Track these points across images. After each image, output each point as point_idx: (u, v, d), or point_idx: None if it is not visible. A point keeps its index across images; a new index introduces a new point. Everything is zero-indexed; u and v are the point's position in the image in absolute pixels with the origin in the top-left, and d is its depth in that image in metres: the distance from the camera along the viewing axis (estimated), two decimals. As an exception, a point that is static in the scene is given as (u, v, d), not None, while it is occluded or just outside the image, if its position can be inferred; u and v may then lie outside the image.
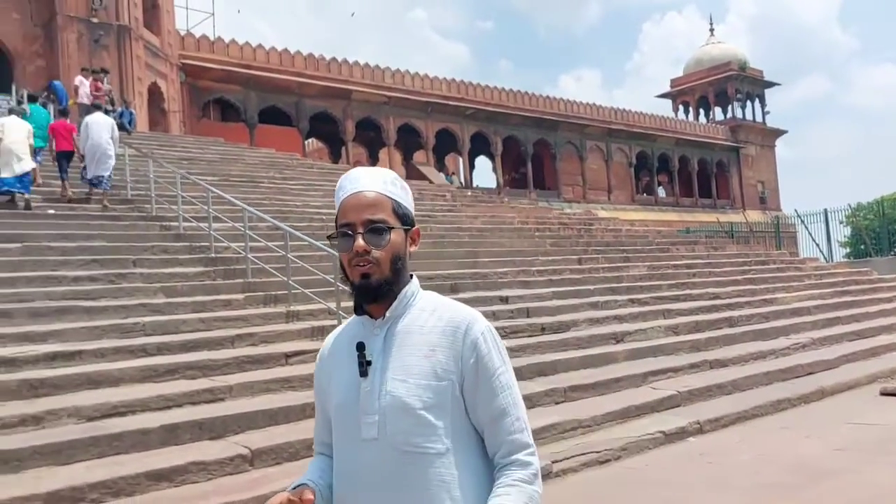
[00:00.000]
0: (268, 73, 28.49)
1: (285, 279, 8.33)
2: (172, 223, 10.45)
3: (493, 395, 1.46)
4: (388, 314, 1.51)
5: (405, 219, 1.54)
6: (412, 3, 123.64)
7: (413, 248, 1.57)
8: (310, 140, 35.00)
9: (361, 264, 1.48)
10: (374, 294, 1.49)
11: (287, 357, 6.78)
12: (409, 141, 34.56)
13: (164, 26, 25.28)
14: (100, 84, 16.25)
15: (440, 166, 36.39)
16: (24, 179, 10.36)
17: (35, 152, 10.87)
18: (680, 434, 6.30)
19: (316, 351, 5.68)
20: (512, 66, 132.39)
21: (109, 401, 5.36)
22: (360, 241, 1.47)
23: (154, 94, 23.98)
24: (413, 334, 1.49)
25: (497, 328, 5.87)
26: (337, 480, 1.54)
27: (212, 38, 28.01)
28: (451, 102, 34.33)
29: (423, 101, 33.34)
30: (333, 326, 7.27)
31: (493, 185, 37.07)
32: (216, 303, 8.02)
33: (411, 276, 1.56)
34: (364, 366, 1.49)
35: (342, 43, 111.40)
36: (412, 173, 30.86)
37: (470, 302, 7.50)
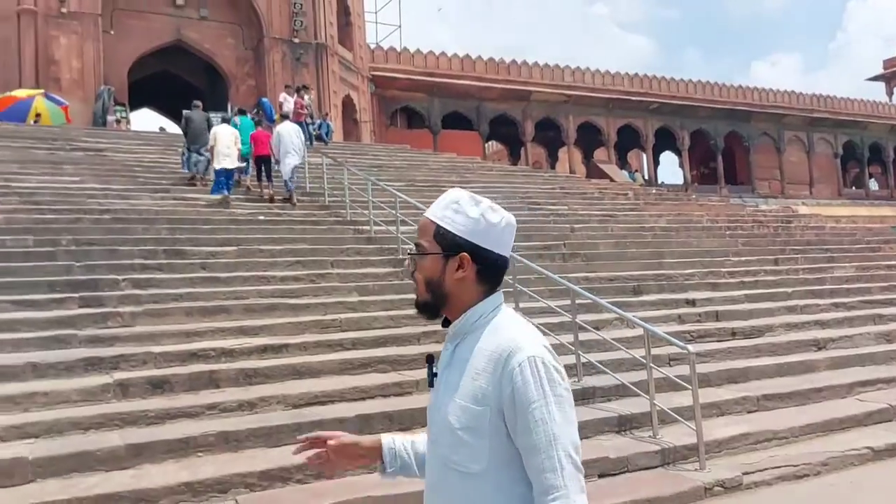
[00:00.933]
0: (450, 79, 29.43)
1: (467, 280, 8.59)
2: (364, 227, 11.15)
3: (526, 430, 1.41)
4: (451, 333, 1.58)
5: (449, 244, 1.53)
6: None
7: (460, 274, 1.53)
8: (490, 142, 35.61)
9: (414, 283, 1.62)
10: (423, 313, 1.61)
11: (469, 355, 7.00)
12: (589, 139, 34.07)
13: (356, 41, 26.96)
14: (301, 99, 17.67)
15: (622, 164, 35.48)
16: (229, 179, 11.95)
17: (242, 157, 12.62)
18: (892, 451, 5.72)
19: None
20: (699, 55, 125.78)
21: (312, 390, 5.88)
22: (407, 262, 1.65)
23: (347, 106, 25.65)
24: (473, 355, 1.51)
25: (682, 332, 5.71)
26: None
27: (398, 50, 29.43)
28: (633, 98, 33.38)
29: (605, 97, 32.71)
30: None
31: (680, 181, 35.52)
32: (403, 301, 8.44)
33: (491, 297, 1.55)
34: (431, 377, 1.61)
35: (522, 45, 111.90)
36: (593, 172, 30.37)
37: (655, 305, 7.35)
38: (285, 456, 4.86)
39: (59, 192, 10.88)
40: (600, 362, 6.69)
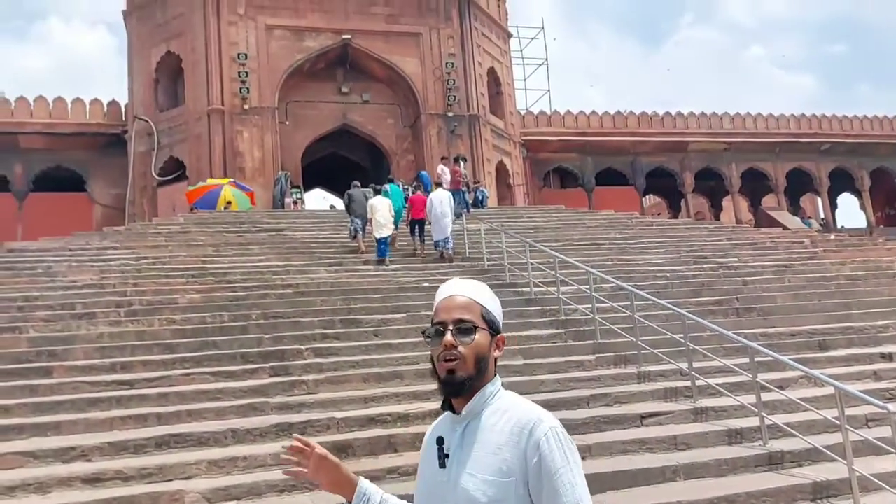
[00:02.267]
0: (602, 137, 29.37)
1: (633, 340, 8.42)
2: (524, 289, 11.27)
3: (555, 493, 1.51)
4: (464, 411, 1.65)
5: (492, 324, 1.69)
6: (747, 41, 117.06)
7: (497, 354, 1.71)
8: (647, 196, 34.82)
9: (449, 359, 1.63)
10: (458, 389, 1.63)
11: (642, 418, 6.82)
12: (755, 186, 32.40)
13: (507, 109, 27.74)
14: (458, 169, 18.38)
15: (794, 209, 33.30)
16: (385, 243, 13.11)
17: (395, 222, 13.77)
18: None
19: (670, 413, 5.64)
20: (870, 89, 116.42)
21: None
22: (448, 337, 1.64)
23: (500, 172, 26.26)
24: (486, 432, 1.61)
25: (879, 391, 5.32)
26: None
27: (548, 113, 29.89)
28: (802, 140, 31.51)
29: (769, 141, 31.15)
30: (686, 388, 7.10)
31: (862, 224, 32.69)
32: (569, 364, 8.41)
33: (495, 376, 1.70)
34: (442, 458, 1.64)
35: (675, 95, 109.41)
36: (762, 220, 28.77)
37: (844, 360, 6.83)
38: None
39: (247, 270, 11.99)
40: (787, 424, 6.26)
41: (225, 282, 11.23)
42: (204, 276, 11.46)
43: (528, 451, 1.54)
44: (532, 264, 11.21)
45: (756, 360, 6.67)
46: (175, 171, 22.73)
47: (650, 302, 8.86)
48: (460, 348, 1.64)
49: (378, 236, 13.12)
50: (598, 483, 5.55)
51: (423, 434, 5.57)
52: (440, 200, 13.68)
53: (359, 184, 15.21)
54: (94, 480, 5.56)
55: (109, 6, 75.88)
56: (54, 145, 24.17)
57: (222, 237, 14.67)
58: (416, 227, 14.04)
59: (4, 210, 23.25)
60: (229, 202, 19.34)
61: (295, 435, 1.95)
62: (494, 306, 1.74)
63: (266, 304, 10.11)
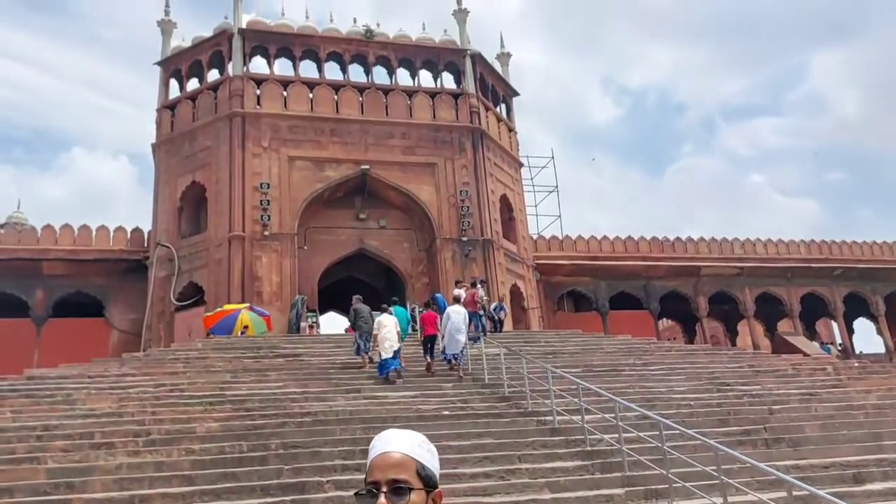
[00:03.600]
0: (615, 261, 29.74)
1: (664, 472, 8.19)
2: (547, 417, 11.08)
3: None
4: None
5: (428, 480, 1.65)
6: (746, 169, 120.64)
7: None
8: (662, 320, 34.74)
9: None
10: None
11: (679, 558, 6.53)
12: (770, 310, 32.36)
13: (520, 234, 28.31)
14: (476, 291, 18.54)
15: (810, 334, 33.03)
16: (395, 359, 13.29)
17: (399, 338, 13.87)
18: None
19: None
20: (872, 214, 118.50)
21: None
22: (381, 500, 1.59)
23: (514, 295, 26.44)
24: None
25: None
26: None
27: (560, 238, 30.45)
28: (813, 265, 31.77)
29: (781, 266, 31.41)
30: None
31: (881, 349, 32.29)
32: (599, 498, 8.16)
33: None
34: None
35: (680, 219, 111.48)
36: (779, 345, 28.45)
37: (883, 495, 6.66)
38: None
39: (266, 397, 11.90)
40: (832, 566, 5.98)
41: (243, 409, 11.13)
42: (222, 404, 11.38)
43: None
44: (554, 391, 11.08)
45: (794, 494, 6.47)
46: (193, 296, 23.03)
47: (677, 432, 8.69)
48: None
49: (383, 357, 13.25)
50: None
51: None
52: (457, 314, 14.11)
53: (361, 298, 15.58)
54: None
55: (133, 138, 79.55)
56: (76, 271, 24.69)
57: (240, 363, 14.65)
58: (428, 344, 14.38)
59: (23, 336, 23.41)
60: (246, 326, 19.45)
61: None
62: (431, 460, 1.70)
63: (285, 434, 9.97)
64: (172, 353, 15.83)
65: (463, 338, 13.86)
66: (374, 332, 13.81)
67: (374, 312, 15.14)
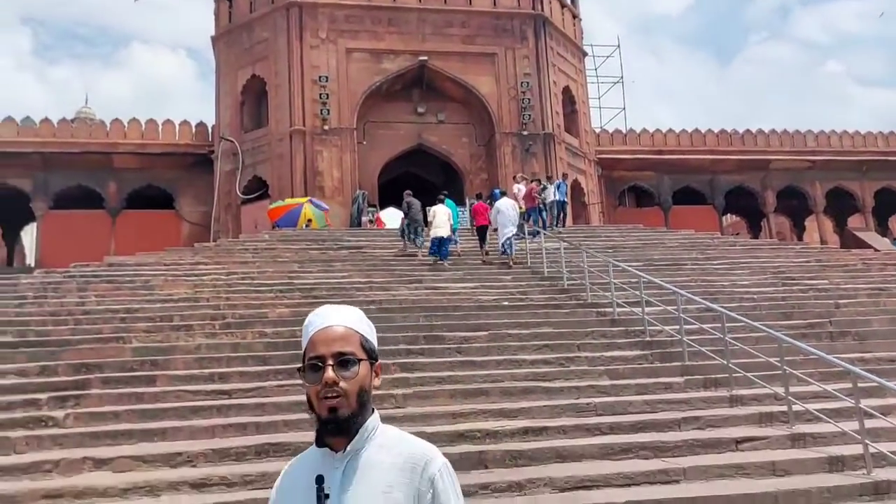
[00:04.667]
0: (680, 155, 28.89)
1: (724, 362, 8.24)
2: (607, 309, 11.17)
3: None
4: (348, 448, 1.54)
5: (371, 353, 1.60)
6: (822, 57, 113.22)
7: (377, 383, 1.62)
8: (726, 216, 33.96)
9: (330, 396, 1.51)
10: (343, 427, 1.52)
11: (737, 443, 6.67)
12: (840, 205, 31.21)
13: (582, 127, 27.62)
14: (533, 187, 18.38)
15: (882, 230, 31.86)
16: (443, 246, 14.12)
17: (452, 230, 14.77)
18: None
19: (766, 438, 5.52)
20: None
21: (576, 474, 5.95)
22: (329, 373, 1.52)
23: (575, 190, 26.11)
24: (372, 469, 1.51)
25: None
26: None
27: (624, 131, 29.61)
28: (890, 158, 30.20)
29: (856, 160, 30.01)
30: (783, 413, 6.92)
31: (959, 246, 30.97)
32: (657, 385, 8.29)
33: (373, 410, 1.61)
34: (322, 499, 1.50)
35: (747, 111, 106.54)
36: (848, 241, 27.62)
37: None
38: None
39: (332, 286, 12.29)
40: (893, 453, 6.01)
41: (311, 297, 11.53)
42: (291, 292, 11.82)
43: (422, 487, 1.50)
44: (614, 284, 11.10)
45: (858, 385, 6.44)
46: (258, 189, 23.53)
47: (740, 324, 8.66)
48: (342, 384, 1.53)
49: (434, 236, 14.18)
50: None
51: (513, 451, 5.59)
52: (507, 207, 14.62)
53: (412, 193, 16.15)
54: (200, 485, 5.81)
55: (191, 32, 79.27)
56: (145, 165, 25.42)
57: (306, 254, 15.09)
58: (480, 233, 15.22)
59: (99, 226, 24.53)
60: (310, 220, 19.90)
61: None
62: (371, 334, 1.66)
63: (351, 320, 10.32)
64: (241, 244, 16.39)
65: (511, 230, 14.27)
66: (430, 218, 14.58)
67: (428, 208, 15.44)
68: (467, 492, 5.73)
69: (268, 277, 12.82)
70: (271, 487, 5.30)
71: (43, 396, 7.47)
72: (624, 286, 11.18)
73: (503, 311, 11.37)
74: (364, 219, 21.67)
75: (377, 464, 1.53)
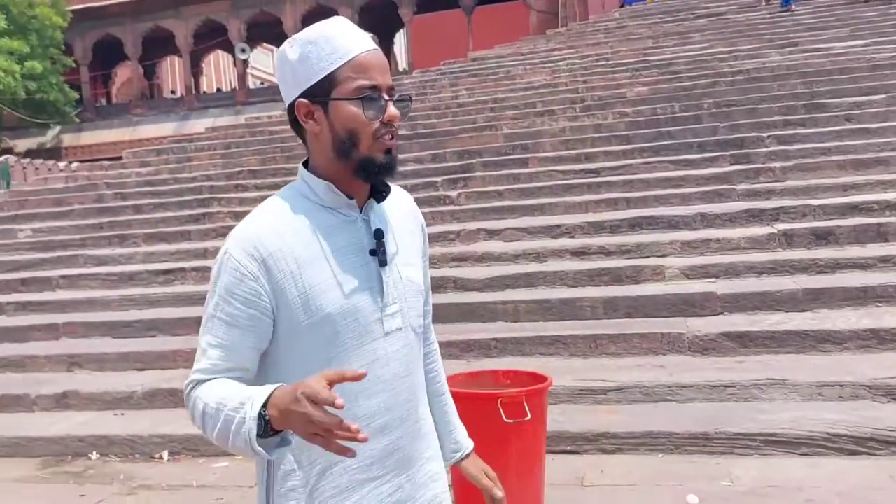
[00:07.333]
0: None
1: None
2: None
3: (427, 272, 1.46)
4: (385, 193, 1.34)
5: None
6: None
7: None
8: None
9: (389, 136, 1.26)
10: (394, 173, 1.31)
11: None
12: None
13: None
14: None
15: None
16: None
17: None
18: None
19: None
20: None
21: None
22: (393, 110, 1.25)
23: None
24: (393, 217, 1.37)
25: None
26: (346, 395, 1.08)
27: None
28: None
29: None
30: None
31: None
32: None
33: None
34: (383, 254, 1.31)
35: None
36: None
37: None
38: None
39: (691, 59, 11.53)
40: None
41: (669, 73, 11.01)
42: (648, 69, 11.39)
43: (423, 232, 1.47)
44: None
45: None
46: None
47: None
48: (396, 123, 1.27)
49: None
50: None
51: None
52: None
53: None
54: (580, 253, 6.29)
55: None
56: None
57: (660, 28, 14.23)
58: None
59: (457, 25, 25.93)
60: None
61: None
62: None
63: (717, 93, 9.68)
64: (592, 26, 16.05)
65: None
66: None
67: None
68: (864, 265, 5.31)
69: (622, 57, 12.47)
70: (648, 257, 5.44)
71: (438, 179, 8.56)
72: None
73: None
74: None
75: (395, 209, 1.39)
